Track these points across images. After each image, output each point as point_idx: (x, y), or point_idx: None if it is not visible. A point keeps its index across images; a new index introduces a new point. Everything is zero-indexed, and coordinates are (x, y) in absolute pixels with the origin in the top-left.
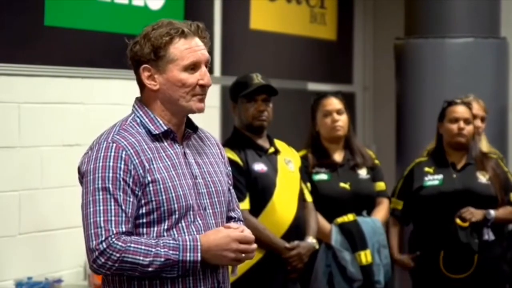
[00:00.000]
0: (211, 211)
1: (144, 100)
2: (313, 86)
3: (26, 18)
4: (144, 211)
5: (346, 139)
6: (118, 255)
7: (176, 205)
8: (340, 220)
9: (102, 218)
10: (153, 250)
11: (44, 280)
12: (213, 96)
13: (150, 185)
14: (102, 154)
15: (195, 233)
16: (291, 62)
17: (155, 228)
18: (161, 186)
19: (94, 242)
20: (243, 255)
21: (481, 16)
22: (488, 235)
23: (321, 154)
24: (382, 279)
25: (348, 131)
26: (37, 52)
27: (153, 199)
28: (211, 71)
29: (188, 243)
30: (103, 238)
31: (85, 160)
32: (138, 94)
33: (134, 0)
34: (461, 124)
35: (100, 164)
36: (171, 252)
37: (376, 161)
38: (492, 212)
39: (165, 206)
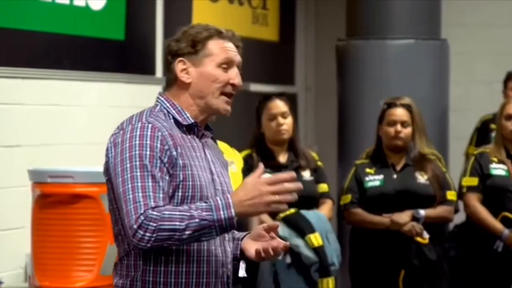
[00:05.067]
0: None
1: (173, 94)
2: (255, 87)
3: None
4: (170, 192)
5: (290, 141)
6: (155, 224)
7: (199, 194)
8: (283, 214)
9: (140, 194)
10: (187, 213)
11: None
12: (154, 96)
13: (181, 168)
14: (138, 133)
15: None
16: None
17: None
18: (190, 172)
19: (133, 217)
20: (277, 197)
21: (422, 17)
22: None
23: (266, 155)
24: (336, 261)
25: (292, 133)
26: None
27: (181, 182)
28: (153, 71)
29: (219, 201)
30: (142, 211)
31: (118, 140)
32: (78, 95)
33: (75, 0)
34: (398, 127)
35: (137, 142)
36: (204, 213)
37: (319, 163)
38: (422, 212)
39: (190, 192)
